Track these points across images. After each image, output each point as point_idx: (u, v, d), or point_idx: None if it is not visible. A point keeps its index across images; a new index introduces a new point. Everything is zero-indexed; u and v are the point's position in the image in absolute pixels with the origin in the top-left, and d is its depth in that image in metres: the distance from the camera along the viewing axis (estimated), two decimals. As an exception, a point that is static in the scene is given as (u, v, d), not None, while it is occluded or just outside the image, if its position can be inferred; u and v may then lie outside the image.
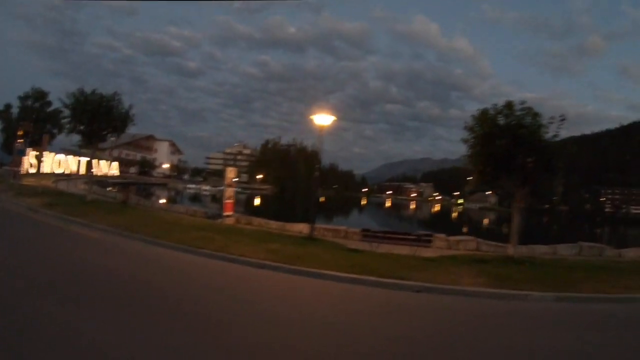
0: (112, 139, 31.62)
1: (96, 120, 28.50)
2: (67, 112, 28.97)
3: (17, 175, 42.13)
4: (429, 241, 19.95)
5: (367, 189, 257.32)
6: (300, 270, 13.25)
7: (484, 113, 17.59)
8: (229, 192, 28.70)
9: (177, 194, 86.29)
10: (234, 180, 29.53)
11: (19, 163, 41.83)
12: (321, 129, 22.20)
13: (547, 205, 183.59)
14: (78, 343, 6.19)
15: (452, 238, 23.01)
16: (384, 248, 18.45)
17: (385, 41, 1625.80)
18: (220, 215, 27.95)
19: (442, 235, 23.35)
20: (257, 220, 27.43)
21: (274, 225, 26.21)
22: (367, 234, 20.70)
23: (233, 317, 8.21)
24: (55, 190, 36.18)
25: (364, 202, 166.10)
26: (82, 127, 28.86)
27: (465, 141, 18.16)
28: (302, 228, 24.62)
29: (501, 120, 17.22)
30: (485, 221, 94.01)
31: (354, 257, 15.81)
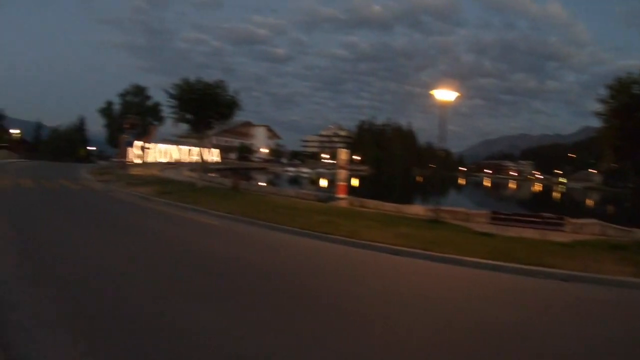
0: (219, 125, 31.07)
1: (203, 108, 28.33)
2: (172, 102, 28.96)
3: (125, 165, 42.81)
4: (561, 224, 17.88)
5: (464, 168, 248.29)
6: (437, 256, 12.03)
7: (620, 82, 15.69)
8: (342, 174, 27.62)
9: (276, 178, 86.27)
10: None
11: (126, 154, 42.52)
12: (444, 105, 20.88)
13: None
14: (244, 353, 5.15)
15: (574, 221, 20.22)
16: (513, 231, 16.87)
17: (475, 12, 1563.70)
18: (332, 198, 27.01)
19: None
20: (371, 203, 26.04)
21: (389, 207, 24.86)
22: (496, 216, 18.95)
23: (397, 316, 7.03)
24: (163, 179, 36.43)
25: (461, 181, 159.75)
26: (189, 116, 28.82)
27: (598, 114, 16.68)
28: (418, 210, 23.46)
29: (636, 90, 15.30)
30: (589, 202, 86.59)
31: (487, 241, 14.44)
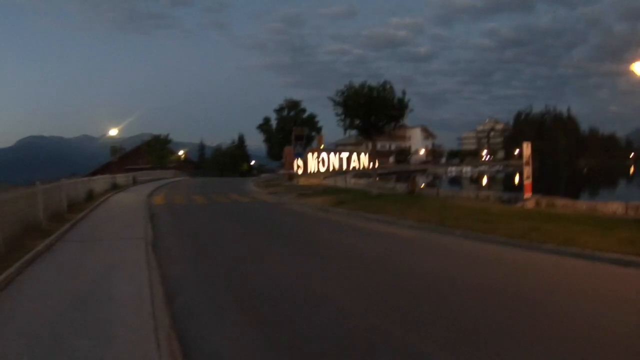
0: (390, 129, 29.15)
1: (372, 112, 26.86)
2: (339, 110, 27.73)
3: (291, 176, 41.89)
4: None
5: (633, 154, 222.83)
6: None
7: None
8: (527, 170, 24.12)
9: (438, 179, 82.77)
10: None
11: (291, 165, 41.68)
12: None
13: None
14: None
15: None
16: None
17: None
18: (517, 199, 23.99)
19: None
20: (561, 202, 22.56)
21: (582, 206, 21.23)
22: None
23: None
24: (332, 188, 35.30)
25: (632, 170, 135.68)
26: (358, 122, 27.39)
27: None
28: (617, 208, 19.48)
29: None
30: None
31: None
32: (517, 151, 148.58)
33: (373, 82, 27.50)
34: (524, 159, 25.02)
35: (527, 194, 23.24)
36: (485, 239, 12.69)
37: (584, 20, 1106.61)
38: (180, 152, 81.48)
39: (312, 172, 60.77)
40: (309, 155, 52.64)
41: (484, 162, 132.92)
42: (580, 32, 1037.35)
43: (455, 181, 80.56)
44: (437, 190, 30.63)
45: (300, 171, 56.70)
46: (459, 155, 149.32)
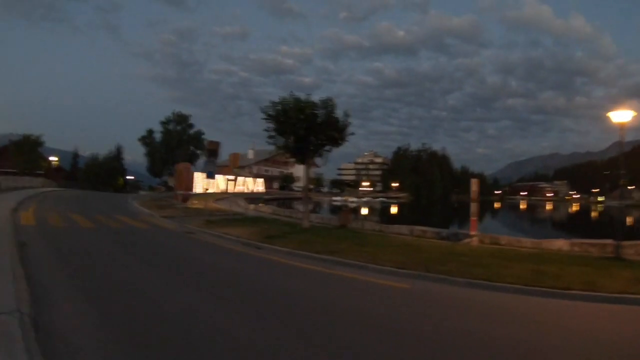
0: (325, 152, 24.65)
1: (313, 130, 22.60)
2: (270, 125, 23.34)
3: (187, 198, 36.24)
4: None
5: (499, 191, 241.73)
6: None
7: None
8: (474, 207, 23.10)
9: (317, 206, 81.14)
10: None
11: (187, 184, 36.31)
12: (620, 127, 17.38)
13: None
14: None
15: None
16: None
17: (498, 32, 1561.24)
18: (456, 236, 22.83)
19: None
20: (504, 239, 22.47)
21: (527, 243, 21.36)
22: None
23: None
24: (241, 214, 30.55)
25: (497, 205, 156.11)
26: (292, 141, 23.27)
27: None
28: (561, 245, 20.17)
29: None
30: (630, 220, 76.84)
31: None
32: (394, 184, 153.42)
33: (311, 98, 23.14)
34: (472, 196, 23.83)
35: (473, 231, 22.15)
36: (494, 288, 10.91)
37: (461, 70, 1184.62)
38: (53, 159, 71.73)
39: (198, 192, 55.64)
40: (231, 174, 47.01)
41: (365, 193, 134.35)
42: (457, 80, 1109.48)
43: (336, 210, 79.10)
44: (362, 224, 26.95)
45: (198, 191, 51.16)
46: (339, 186, 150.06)
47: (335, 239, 18.16)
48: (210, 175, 30.37)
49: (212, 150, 28.93)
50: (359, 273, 12.52)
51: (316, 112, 22.41)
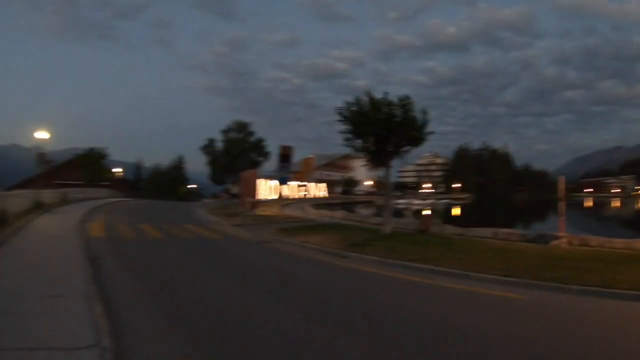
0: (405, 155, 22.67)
1: (394, 131, 20.80)
2: (346, 126, 21.69)
3: (255, 205, 35.17)
4: None
5: (564, 189, 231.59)
6: None
7: None
8: (561, 206, 21.65)
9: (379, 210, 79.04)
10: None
11: (253, 191, 35.31)
12: None
13: None
14: None
15: None
16: None
17: (552, 21, 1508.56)
18: (543, 237, 20.85)
19: None
20: (595, 240, 20.62)
21: (619, 244, 19.58)
22: None
23: None
24: (314, 221, 29.01)
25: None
26: (372, 143, 21.38)
27: None
28: None
29: None
30: None
31: None
32: (456, 185, 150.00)
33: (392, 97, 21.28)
34: (559, 194, 22.63)
35: (562, 232, 20.62)
36: (612, 295, 9.88)
37: (516, 63, 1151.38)
38: (118, 170, 72.79)
39: (263, 199, 54.87)
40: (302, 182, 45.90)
41: (427, 195, 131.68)
42: (512, 74, 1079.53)
43: (400, 213, 77.24)
44: (441, 228, 25.19)
45: (274, 197, 50.11)
46: (401, 188, 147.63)
47: (424, 245, 16.77)
48: (284, 181, 29.05)
49: (285, 155, 27.46)
50: (462, 283, 11.32)
51: (394, 111, 20.79)
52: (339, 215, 35.77)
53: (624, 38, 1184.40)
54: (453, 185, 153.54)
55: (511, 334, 7.10)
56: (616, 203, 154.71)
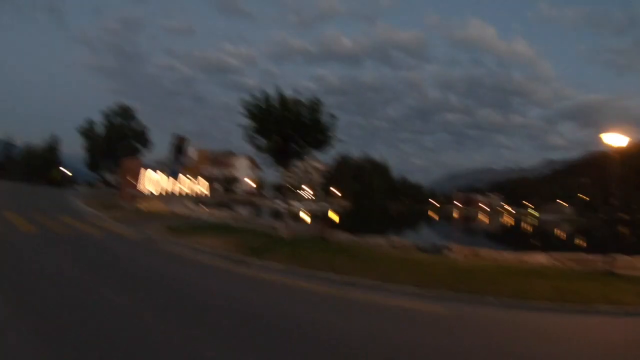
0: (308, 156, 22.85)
1: (301, 131, 20.53)
2: (251, 123, 20.99)
3: (134, 198, 32.94)
4: None
5: (434, 201, 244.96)
6: None
7: None
8: (456, 222, 22.94)
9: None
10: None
11: (135, 182, 33.09)
12: (614, 151, 18.38)
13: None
14: None
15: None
16: None
17: (442, 48, 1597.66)
18: (437, 248, 21.85)
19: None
20: (485, 252, 21.94)
21: (509, 257, 21.16)
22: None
23: None
24: (202, 220, 26.99)
25: (432, 214, 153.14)
26: (276, 142, 20.79)
27: None
28: (540, 259, 20.25)
29: None
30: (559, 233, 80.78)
31: None
32: (335, 191, 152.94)
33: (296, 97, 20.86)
34: (455, 212, 25.15)
35: (454, 244, 22.63)
36: (528, 307, 10.61)
37: (404, 82, 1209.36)
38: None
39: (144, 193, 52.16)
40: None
41: (306, 199, 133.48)
42: (398, 92, 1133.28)
43: (279, 215, 77.21)
44: (333, 234, 24.88)
45: (150, 192, 47.27)
46: (280, 190, 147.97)
47: (326, 253, 16.03)
48: (175, 174, 27.10)
49: (179, 147, 25.45)
50: (376, 294, 10.90)
51: (302, 111, 20.21)
52: (225, 214, 34.62)
53: (506, 73, 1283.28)
54: (333, 191, 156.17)
55: (445, 349, 7.08)
56: (483, 217, 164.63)
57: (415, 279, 12.22)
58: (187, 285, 10.58)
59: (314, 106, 20.42)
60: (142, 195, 35.02)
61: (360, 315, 9.13)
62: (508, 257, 21.22)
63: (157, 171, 61.50)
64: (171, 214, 29.63)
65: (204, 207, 40.66)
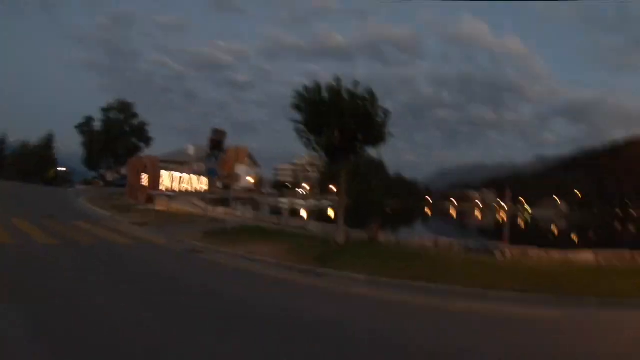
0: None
1: (359, 126, 17.83)
2: (301, 118, 18.26)
3: (152, 199, 30.76)
4: None
5: (429, 198, 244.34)
6: None
7: None
8: (506, 220, 24.87)
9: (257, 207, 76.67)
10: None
11: (157, 182, 30.95)
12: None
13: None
14: None
15: None
16: None
17: (435, 45, 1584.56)
18: (487, 248, 20.48)
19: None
20: (534, 252, 20.74)
21: (556, 255, 20.16)
22: None
23: None
24: (238, 223, 24.30)
25: (427, 210, 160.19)
26: (333, 137, 17.93)
27: None
28: (587, 257, 19.30)
29: None
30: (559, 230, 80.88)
31: None
32: (332, 188, 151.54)
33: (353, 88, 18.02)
34: (504, 204, 22.83)
35: (505, 243, 21.74)
36: (624, 305, 10.28)
37: (396, 79, 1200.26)
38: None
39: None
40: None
41: (305, 196, 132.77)
42: (390, 88, 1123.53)
43: (275, 212, 75.77)
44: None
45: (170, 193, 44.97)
46: (278, 187, 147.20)
47: (397, 258, 14.19)
48: (213, 174, 24.26)
49: (217, 142, 22.44)
50: (481, 303, 10.14)
51: (361, 104, 17.76)
52: (248, 215, 32.60)
53: (498, 70, 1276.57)
54: (330, 188, 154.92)
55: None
56: (478, 213, 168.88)
57: (510, 283, 11.35)
58: (267, 308, 8.50)
59: (371, 99, 18.11)
60: (159, 195, 32.87)
61: (486, 328, 8.27)
62: (555, 255, 20.08)
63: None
64: (188, 214, 27.54)
65: (211, 206, 38.73)
